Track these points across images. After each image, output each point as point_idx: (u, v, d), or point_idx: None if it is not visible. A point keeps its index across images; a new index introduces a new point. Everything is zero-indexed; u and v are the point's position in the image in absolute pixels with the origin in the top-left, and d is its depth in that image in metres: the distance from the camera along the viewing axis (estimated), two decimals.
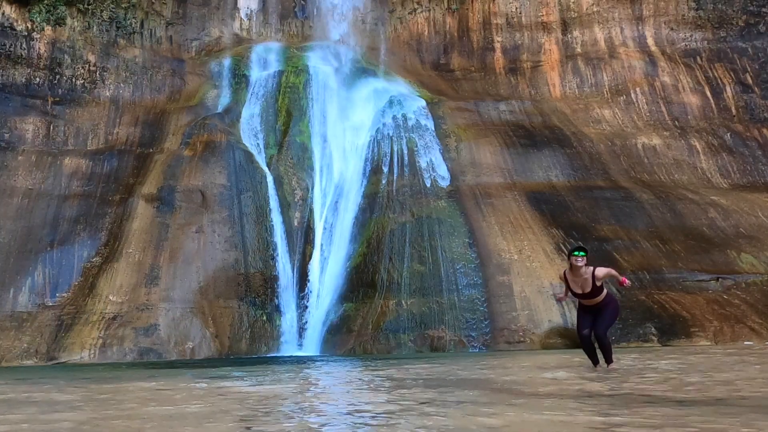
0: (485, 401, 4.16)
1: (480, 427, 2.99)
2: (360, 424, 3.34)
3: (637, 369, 7.29)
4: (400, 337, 15.60)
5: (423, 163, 19.43)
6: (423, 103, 21.87)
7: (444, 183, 19.16)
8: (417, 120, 21.02)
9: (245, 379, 6.95)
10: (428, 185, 18.96)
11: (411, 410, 3.74)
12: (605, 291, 7.61)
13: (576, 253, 7.50)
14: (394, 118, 21.08)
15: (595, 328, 7.55)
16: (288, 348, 16.68)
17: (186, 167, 19.29)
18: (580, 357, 9.10)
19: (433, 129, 20.89)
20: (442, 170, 19.34)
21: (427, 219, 18.08)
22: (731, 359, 8.35)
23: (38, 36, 21.24)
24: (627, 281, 7.47)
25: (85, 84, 21.61)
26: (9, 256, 16.89)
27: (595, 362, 7.69)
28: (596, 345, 7.73)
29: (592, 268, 7.46)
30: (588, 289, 7.44)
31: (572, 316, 15.60)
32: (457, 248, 17.40)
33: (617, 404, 3.81)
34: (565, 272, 7.71)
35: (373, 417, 3.56)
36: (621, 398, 4.19)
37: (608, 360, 7.58)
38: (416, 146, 20.35)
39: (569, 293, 7.78)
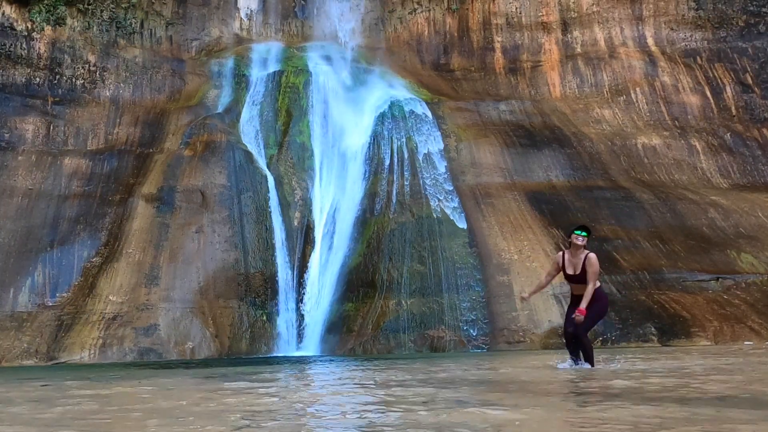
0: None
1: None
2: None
3: (682, 369, 6.94)
4: (400, 337, 15.61)
5: (433, 203, 18.84)
6: (440, 144, 20.85)
7: (460, 224, 18.46)
8: (428, 153, 20.51)
9: (246, 380, 6.94)
10: (436, 215, 18.42)
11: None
12: (594, 285, 7.45)
13: (578, 231, 7.38)
14: (395, 122, 21.03)
15: (575, 327, 7.34)
16: (288, 348, 16.69)
17: (186, 167, 19.30)
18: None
19: (445, 168, 20.09)
20: (462, 223, 18.44)
21: (427, 219, 18.09)
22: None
23: (38, 36, 21.24)
24: (580, 315, 7.10)
25: (85, 84, 21.62)
26: (9, 256, 16.89)
27: (575, 359, 7.43)
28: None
29: (587, 252, 7.36)
30: (578, 271, 7.30)
31: None
32: (457, 248, 17.41)
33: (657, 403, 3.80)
34: (563, 253, 7.56)
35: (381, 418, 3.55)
36: (669, 398, 4.19)
37: (590, 362, 7.32)
38: (416, 146, 20.35)
39: (563, 276, 7.59)
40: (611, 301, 15.61)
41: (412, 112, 21.45)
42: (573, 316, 7.21)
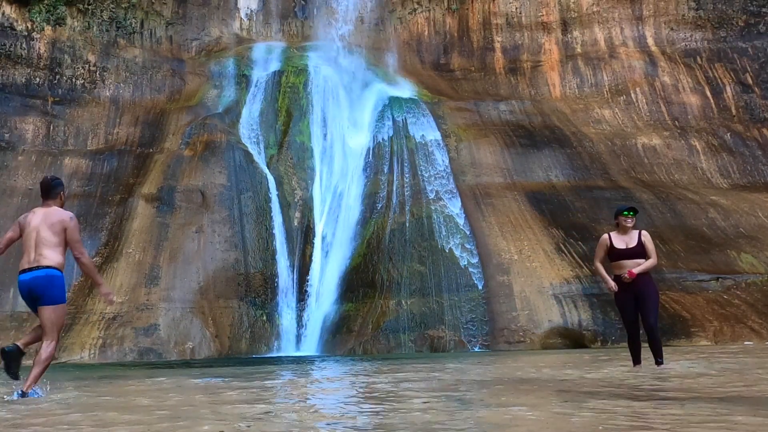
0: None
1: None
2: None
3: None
4: (400, 337, 15.60)
5: (433, 203, 18.60)
6: (440, 144, 20.75)
7: (460, 224, 18.09)
8: (422, 135, 20.63)
9: (246, 380, 6.95)
10: (436, 215, 18.28)
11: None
12: (656, 259, 7.12)
13: (626, 213, 7.13)
14: (395, 122, 21.07)
15: (642, 317, 6.91)
16: (288, 348, 16.69)
17: (186, 167, 19.30)
18: (589, 355, 9.08)
19: (445, 168, 19.91)
20: (462, 223, 18.15)
21: (427, 219, 18.08)
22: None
23: (38, 36, 21.24)
24: (630, 276, 6.85)
25: (85, 84, 21.61)
26: (9, 256, 16.78)
27: (638, 361, 7.01)
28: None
29: (639, 230, 7.22)
30: (632, 245, 7.03)
31: (572, 316, 15.61)
32: (457, 248, 17.41)
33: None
34: (608, 235, 7.27)
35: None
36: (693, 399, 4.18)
37: (659, 358, 6.87)
38: (416, 146, 20.34)
39: (608, 260, 7.19)
40: (610, 300, 15.64)
41: (411, 111, 21.45)
42: (623, 275, 6.91)
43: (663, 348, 7.05)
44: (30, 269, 5.35)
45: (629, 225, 7.12)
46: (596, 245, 7.50)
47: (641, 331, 7.09)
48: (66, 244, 5.47)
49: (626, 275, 6.86)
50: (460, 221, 18.20)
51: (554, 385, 5.32)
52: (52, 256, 5.29)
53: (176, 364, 12.03)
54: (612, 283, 7.12)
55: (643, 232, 7.17)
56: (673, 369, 6.67)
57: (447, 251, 17.23)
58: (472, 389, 5.11)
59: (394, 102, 21.76)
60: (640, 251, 7.02)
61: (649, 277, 7.07)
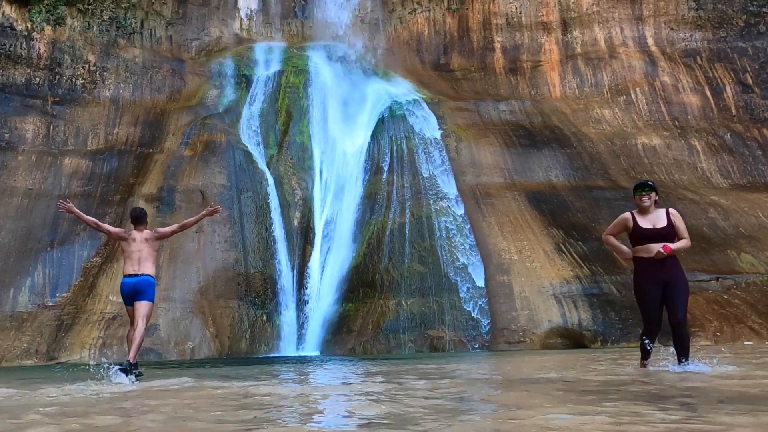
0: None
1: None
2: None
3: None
4: (400, 337, 15.60)
5: (433, 203, 18.52)
6: (440, 144, 20.91)
7: (460, 225, 18.26)
8: (421, 130, 20.79)
9: (246, 380, 6.94)
10: (436, 215, 18.26)
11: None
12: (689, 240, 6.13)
13: (639, 191, 6.16)
14: (394, 122, 21.09)
15: (671, 310, 5.95)
16: (288, 348, 16.68)
17: (186, 167, 19.30)
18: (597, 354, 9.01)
19: (445, 168, 19.91)
20: (462, 223, 18.07)
21: (427, 219, 18.08)
22: None
23: (38, 36, 21.23)
24: (665, 250, 5.86)
25: (85, 84, 21.61)
26: (9, 256, 16.88)
27: (647, 356, 6.20)
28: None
29: (665, 207, 6.23)
30: (662, 224, 5.99)
31: (572, 316, 15.61)
32: (457, 248, 17.41)
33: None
34: (632, 213, 6.26)
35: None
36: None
37: (684, 358, 5.97)
38: (416, 146, 20.35)
39: (632, 243, 6.24)
40: (610, 300, 15.70)
41: (411, 112, 21.45)
42: (660, 249, 5.88)
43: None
44: (136, 275, 7.32)
45: (647, 204, 6.13)
46: (597, 245, 7.10)
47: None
48: (156, 254, 7.78)
49: (661, 250, 5.86)
50: (460, 221, 18.21)
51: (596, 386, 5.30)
52: (151, 268, 7.51)
53: (176, 365, 12.01)
54: (627, 250, 6.23)
55: (672, 210, 6.18)
56: (699, 369, 5.93)
57: (447, 251, 17.24)
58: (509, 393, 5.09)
59: (394, 102, 21.78)
60: (669, 232, 6.00)
61: (679, 263, 6.11)
